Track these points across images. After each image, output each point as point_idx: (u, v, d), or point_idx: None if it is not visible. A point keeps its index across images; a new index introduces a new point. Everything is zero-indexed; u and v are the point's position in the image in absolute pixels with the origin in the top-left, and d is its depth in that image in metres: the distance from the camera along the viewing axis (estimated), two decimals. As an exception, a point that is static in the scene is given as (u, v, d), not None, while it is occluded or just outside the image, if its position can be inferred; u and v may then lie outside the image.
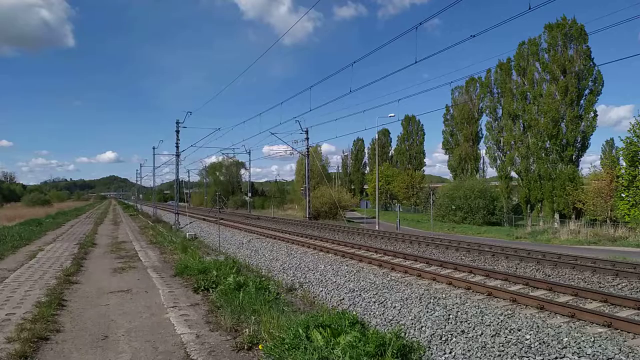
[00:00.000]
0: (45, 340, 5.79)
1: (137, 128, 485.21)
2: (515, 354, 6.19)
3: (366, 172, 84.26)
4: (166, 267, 12.33)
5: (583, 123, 37.16)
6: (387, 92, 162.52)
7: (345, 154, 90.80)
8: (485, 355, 6.46)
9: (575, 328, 6.70)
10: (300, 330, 5.30)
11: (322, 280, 12.20)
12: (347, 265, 12.88)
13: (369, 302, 9.84)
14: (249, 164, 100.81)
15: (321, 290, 11.55)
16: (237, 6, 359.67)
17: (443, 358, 6.86)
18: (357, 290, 10.64)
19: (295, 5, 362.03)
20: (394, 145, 75.86)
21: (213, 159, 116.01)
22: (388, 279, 10.84)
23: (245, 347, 5.44)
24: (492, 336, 6.85)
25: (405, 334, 7.70)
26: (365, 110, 43.49)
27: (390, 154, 77.07)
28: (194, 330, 6.20)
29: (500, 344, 6.56)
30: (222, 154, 71.75)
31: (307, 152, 40.15)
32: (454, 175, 57.02)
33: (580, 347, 5.96)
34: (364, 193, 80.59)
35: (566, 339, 6.23)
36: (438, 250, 16.14)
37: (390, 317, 8.80)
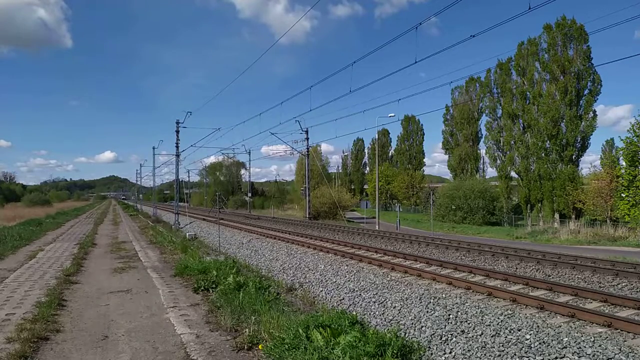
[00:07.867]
0: (45, 340, 5.80)
1: (136, 128, 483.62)
2: (515, 354, 6.19)
3: (366, 172, 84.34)
4: (166, 267, 12.34)
5: (583, 123, 37.19)
6: (387, 92, 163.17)
7: (345, 154, 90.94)
8: (485, 355, 6.46)
9: (575, 328, 6.70)
10: (300, 330, 5.30)
11: (322, 280, 12.20)
12: (347, 265, 12.88)
13: (369, 302, 9.84)
14: (249, 164, 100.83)
15: (321, 290, 11.55)
16: (234, 5, 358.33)
17: (443, 358, 6.86)
18: (357, 290, 10.63)
19: (291, 4, 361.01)
20: (393, 145, 76.11)
21: (213, 159, 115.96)
22: (388, 279, 10.84)
23: (245, 347, 5.44)
24: (492, 336, 6.85)
25: (405, 334, 7.70)
26: (365, 110, 43.45)
27: (390, 154, 77.20)
28: (194, 330, 6.20)
29: (500, 344, 6.56)
30: (222, 154, 71.91)
31: (307, 152, 40.15)
32: (454, 175, 57.05)
33: (580, 347, 5.95)
34: (364, 193, 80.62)
35: (566, 339, 6.22)
36: (438, 250, 16.13)
37: (390, 317, 8.79)
